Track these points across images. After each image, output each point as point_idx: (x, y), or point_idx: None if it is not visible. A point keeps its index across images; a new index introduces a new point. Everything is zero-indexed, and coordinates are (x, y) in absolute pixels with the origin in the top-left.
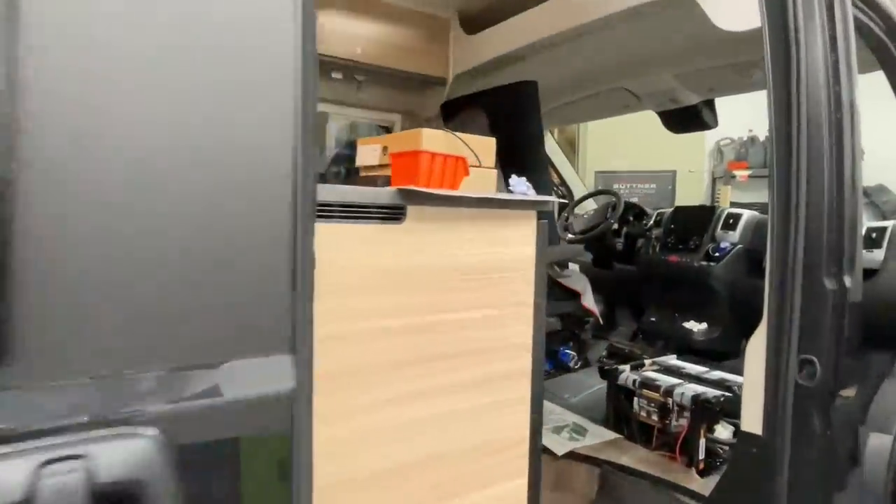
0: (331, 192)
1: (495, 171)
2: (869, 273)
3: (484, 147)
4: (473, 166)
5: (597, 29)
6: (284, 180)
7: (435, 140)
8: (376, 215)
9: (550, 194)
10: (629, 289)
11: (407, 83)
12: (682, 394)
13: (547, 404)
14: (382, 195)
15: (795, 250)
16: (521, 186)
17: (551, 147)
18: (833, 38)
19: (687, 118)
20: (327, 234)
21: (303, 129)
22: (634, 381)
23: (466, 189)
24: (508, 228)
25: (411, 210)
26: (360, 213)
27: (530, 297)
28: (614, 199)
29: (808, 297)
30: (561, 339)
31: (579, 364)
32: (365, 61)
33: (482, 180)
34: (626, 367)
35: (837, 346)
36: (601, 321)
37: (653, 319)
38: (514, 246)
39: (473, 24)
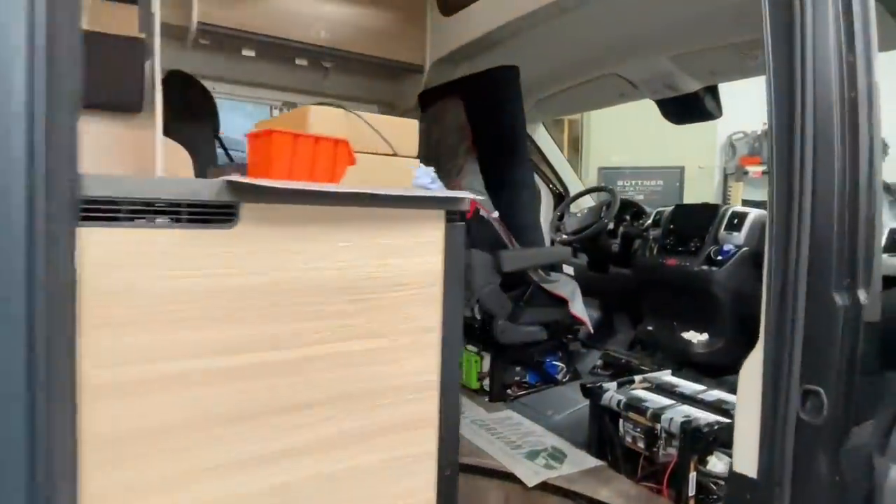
0: (112, 185)
1: (416, 160)
2: (890, 281)
3: (402, 132)
4: (386, 155)
5: (580, 3)
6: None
7: (328, 121)
8: (191, 216)
9: (533, 190)
10: (626, 294)
11: (381, 71)
12: (671, 419)
13: (526, 424)
14: (202, 189)
15: (798, 258)
16: (423, 178)
17: (545, 140)
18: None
19: (687, 107)
20: (109, 243)
21: (46, 94)
22: (619, 401)
23: (376, 184)
24: (404, 234)
25: (247, 210)
26: (163, 213)
27: (437, 320)
28: (610, 197)
29: (813, 314)
30: (547, 350)
31: (568, 377)
32: (331, 46)
33: (397, 173)
34: (612, 385)
35: (849, 376)
36: (592, 330)
37: (650, 328)
38: (413, 256)
39: (451, 4)
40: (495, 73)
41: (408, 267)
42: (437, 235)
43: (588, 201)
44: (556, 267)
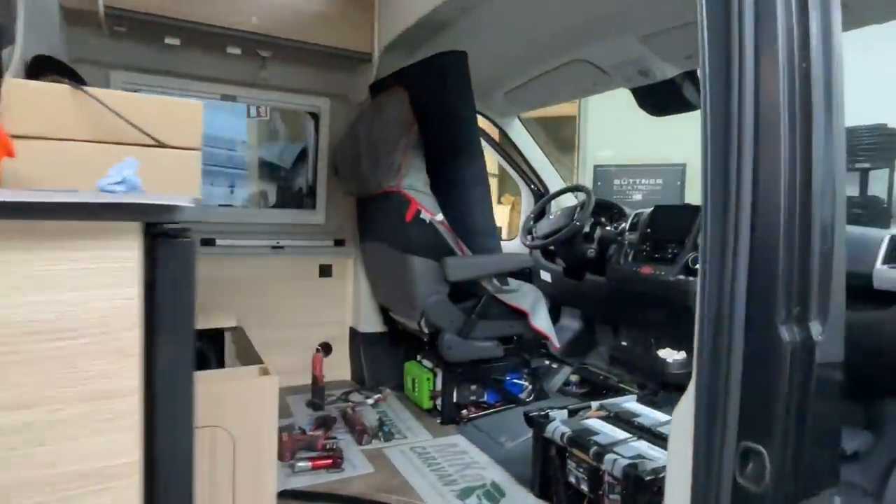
0: None
1: (196, 153)
2: (895, 297)
3: (174, 116)
4: (144, 145)
5: None
6: None
7: (39, 100)
8: None
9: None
10: (605, 304)
11: (327, 60)
12: (615, 461)
13: (472, 452)
14: None
15: (734, 278)
16: (112, 177)
17: (521, 135)
18: None
19: (665, 97)
20: None
21: None
22: (563, 434)
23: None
24: (64, 257)
25: None
26: None
27: (135, 379)
28: (587, 198)
29: (752, 352)
30: (509, 367)
31: (532, 396)
32: (264, 33)
33: (171, 169)
34: (561, 414)
35: (799, 433)
36: (557, 345)
37: (624, 344)
38: (85, 289)
39: None
40: (441, 58)
41: (73, 305)
42: (131, 258)
43: (571, 200)
44: (524, 274)
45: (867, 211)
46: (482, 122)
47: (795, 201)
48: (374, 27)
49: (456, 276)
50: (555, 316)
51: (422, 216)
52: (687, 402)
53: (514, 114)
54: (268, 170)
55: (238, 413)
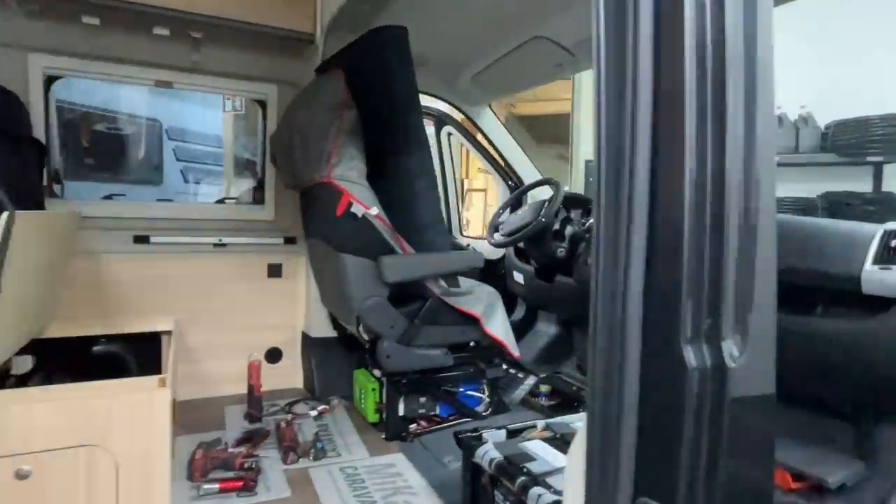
0: None
1: None
2: (887, 303)
3: None
4: None
5: None
6: None
7: None
8: None
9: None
10: (577, 308)
11: (268, 43)
12: (539, 497)
13: (407, 475)
14: None
15: (626, 289)
16: None
17: (493, 125)
18: None
19: None
20: None
21: None
22: (492, 461)
23: None
24: None
25: None
26: None
27: None
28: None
29: (650, 382)
30: (464, 377)
31: (490, 409)
32: (190, 10)
33: None
34: (497, 435)
35: (708, 490)
36: (516, 353)
37: None
38: None
39: None
40: (379, 33)
41: None
42: None
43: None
44: (497, 275)
45: (881, 208)
46: (460, 115)
47: (705, 197)
48: (315, 5)
49: (394, 276)
50: (530, 320)
51: (353, 209)
52: (579, 445)
53: (484, 101)
54: (245, 165)
55: (122, 431)
